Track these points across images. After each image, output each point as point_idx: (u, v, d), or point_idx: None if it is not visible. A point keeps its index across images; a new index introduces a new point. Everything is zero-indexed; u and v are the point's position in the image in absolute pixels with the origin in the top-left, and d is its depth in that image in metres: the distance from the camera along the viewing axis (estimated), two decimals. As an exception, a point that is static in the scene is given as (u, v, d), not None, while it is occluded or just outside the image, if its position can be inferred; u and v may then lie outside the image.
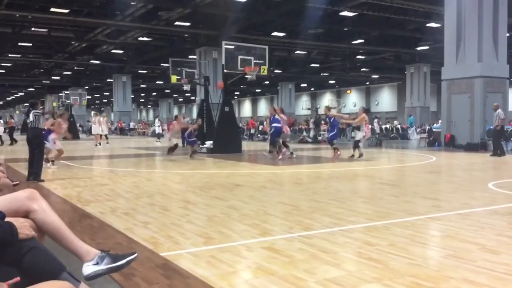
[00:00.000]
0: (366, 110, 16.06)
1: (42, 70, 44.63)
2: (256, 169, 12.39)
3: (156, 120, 33.75)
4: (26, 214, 2.53)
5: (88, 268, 2.60)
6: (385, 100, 54.48)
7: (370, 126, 15.65)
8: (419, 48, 32.82)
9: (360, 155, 14.77)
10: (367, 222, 5.46)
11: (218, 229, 5.15)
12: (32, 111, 9.64)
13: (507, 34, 19.61)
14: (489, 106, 18.86)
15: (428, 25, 26.31)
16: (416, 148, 21.40)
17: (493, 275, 3.51)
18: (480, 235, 4.78)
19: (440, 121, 24.44)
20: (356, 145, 15.07)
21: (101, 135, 24.32)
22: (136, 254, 2.80)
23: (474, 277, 3.46)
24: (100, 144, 23.44)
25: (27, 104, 13.26)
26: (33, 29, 28.83)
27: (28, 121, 9.96)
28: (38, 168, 9.68)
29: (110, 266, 2.63)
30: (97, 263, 2.61)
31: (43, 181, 9.47)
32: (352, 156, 14.93)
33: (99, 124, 24.39)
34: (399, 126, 33.48)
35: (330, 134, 16.00)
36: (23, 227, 2.23)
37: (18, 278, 1.90)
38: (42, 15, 24.35)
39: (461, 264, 3.78)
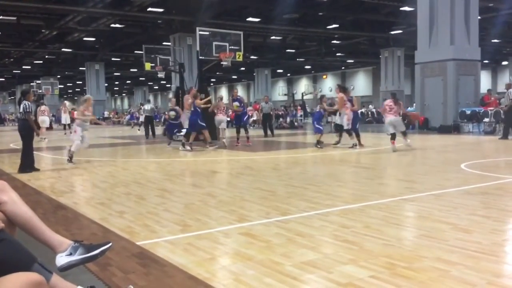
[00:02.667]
0: (344, 89, 13.65)
1: (12, 60, 43.47)
2: (233, 155, 12.37)
3: (142, 107, 31.92)
4: (-5, 207, 2.47)
5: (62, 259, 2.57)
6: (360, 84, 54.88)
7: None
8: (393, 32, 33.04)
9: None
10: (343, 205, 5.52)
11: (195, 216, 5.14)
12: (24, 102, 9.22)
13: (479, 17, 19.89)
14: (461, 88, 19.22)
15: (401, 8, 26.47)
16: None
17: (465, 254, 3.59)
18: (453, 215, 4.89)
19: (414, 104, 24.76)
20: (349, 132, 13.06)
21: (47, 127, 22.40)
22: (110, 244, 2.77)
23: (447, 256, 3.54)
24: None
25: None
26: (1, 17, 27.95)
27: (19, 111, 9.59)
28: (28, 159, 9.50)
29: (84, 256, 2.61)
30: (70, 254, 2.58)
31: (38, 170, 9.47)
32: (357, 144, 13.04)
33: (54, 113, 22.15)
34: (374, 110, 33.83)
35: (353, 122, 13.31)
36: (-9, 219, 2.18)
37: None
38: (10, 3, 23.62)
39: (434, 244, 3.86)
